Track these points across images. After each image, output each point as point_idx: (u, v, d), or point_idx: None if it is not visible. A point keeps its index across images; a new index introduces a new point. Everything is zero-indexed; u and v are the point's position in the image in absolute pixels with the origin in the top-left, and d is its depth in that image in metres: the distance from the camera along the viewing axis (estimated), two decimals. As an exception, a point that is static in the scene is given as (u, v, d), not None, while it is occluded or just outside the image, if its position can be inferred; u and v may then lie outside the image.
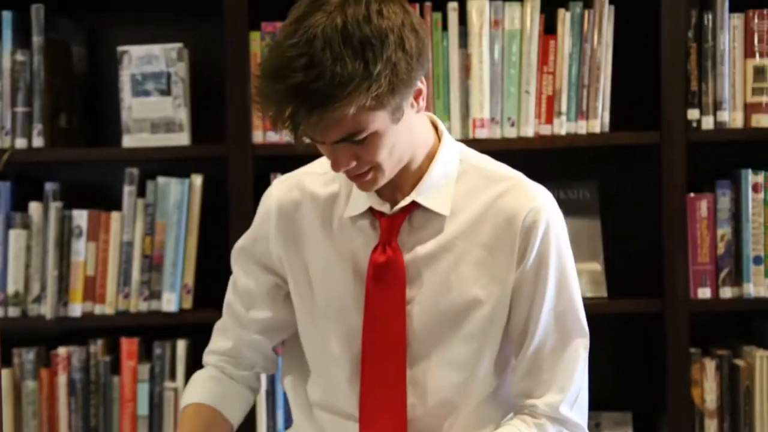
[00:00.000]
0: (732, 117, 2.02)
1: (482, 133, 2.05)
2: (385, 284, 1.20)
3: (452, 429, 1.24)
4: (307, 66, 1.01)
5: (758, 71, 1.99)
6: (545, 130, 2.07)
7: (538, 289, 1.22)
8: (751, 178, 2.03)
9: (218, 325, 1.36)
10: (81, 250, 2.00)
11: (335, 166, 1.09)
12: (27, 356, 2.02)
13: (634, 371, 2.32)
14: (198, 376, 1.33)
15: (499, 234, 1.21)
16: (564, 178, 2.19)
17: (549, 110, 2.04)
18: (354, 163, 1.10)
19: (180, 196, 2.02)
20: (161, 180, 2.03)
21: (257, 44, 2.01)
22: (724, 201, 2.03)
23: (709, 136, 2.09)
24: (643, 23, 2.14)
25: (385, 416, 1.21)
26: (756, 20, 2.03)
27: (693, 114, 2.02)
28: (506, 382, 1.25)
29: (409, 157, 1.16)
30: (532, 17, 2.03)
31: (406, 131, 1.13)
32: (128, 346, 2.01)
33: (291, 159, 1.79)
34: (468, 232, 1.22)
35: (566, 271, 1.24)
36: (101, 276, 2.02)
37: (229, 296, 1.33)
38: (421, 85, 1.10)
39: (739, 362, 2.10)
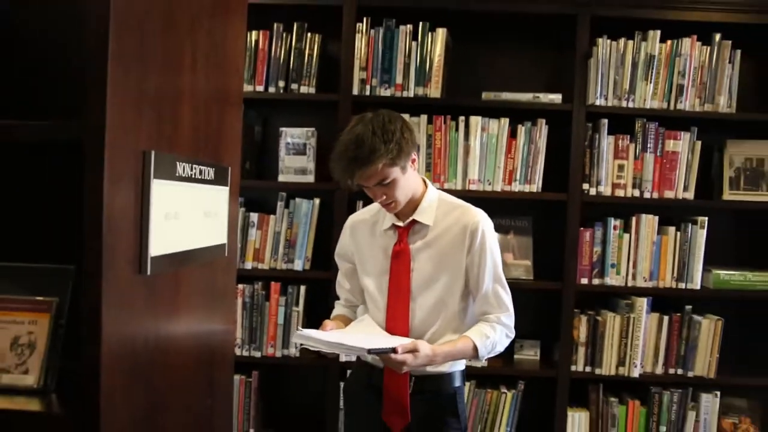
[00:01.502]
0: (605, 189, 2.81)
1: (473, 187, 2.80)
2: (400, 261, 1.94)
3: (436, 331, 1.93)
4: (356, 147, 1.77)
5: (620, 167, 2.81)
6: (507, 188, 2.83)
7: (482, 261, 1.93)
8: (612, 222, 2.83)
9: (338, 283, 2.16)
10: (253, 234, 2.82)
11: (375, 198, 1.87)
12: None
13: (544, 320, 2.98)
14: (337, 303, 2.16)
15: (458, 235, 1.93)
16: (515, 214, 2.95)
17: (510, 177, 2.82)
18: (384, 197, 1.85)
19: (307, 209, 2.82)
20: (298, 200, 2.83)
21: None
22: (598, 234, 2.83)
23: (593, 199, 2.82)
24: (562, 136, 2.84)
25: (399, 321, 1.93)
26: (620, 141, 2.81)
27: (585, 186, 2.81)
28: (468, 308, 1.98)
29: (412, 195, 1.91)
30: (502, 127, 2.80)
31: (409, 181, 1.88)
32: (275, 287, 2.82)
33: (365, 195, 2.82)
34: (442, 234, 1.94)
35: (495, 253, 1.96)
36: (262, 248, 2.82)
37: (339, 276, 2.14)
38: (414, 156, 1.87)
39: (599, 318, 2.85)
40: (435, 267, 1.95)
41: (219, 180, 1.59)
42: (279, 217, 2.85)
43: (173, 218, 1.32)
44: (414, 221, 1.95)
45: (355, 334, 1.93)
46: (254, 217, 2.85)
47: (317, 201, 2.85)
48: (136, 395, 1.21)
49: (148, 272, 1.20)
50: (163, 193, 1.26)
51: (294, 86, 2.84)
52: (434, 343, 1.89)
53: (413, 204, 1.94)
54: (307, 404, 3.04)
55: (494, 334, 1.93)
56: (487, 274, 1.95)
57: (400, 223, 1.95)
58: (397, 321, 1.95)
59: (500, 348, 1.97)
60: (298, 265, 2.84)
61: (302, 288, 2.84)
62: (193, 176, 1.41)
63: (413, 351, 1.77)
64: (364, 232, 2.04)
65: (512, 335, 2.00)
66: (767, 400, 3.00)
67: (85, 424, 1.06)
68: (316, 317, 2.78)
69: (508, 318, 1.97)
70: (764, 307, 3.01)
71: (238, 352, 2.82)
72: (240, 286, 2.83)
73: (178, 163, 1.33)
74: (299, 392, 3.09)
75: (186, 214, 1.39)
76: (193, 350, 1.50)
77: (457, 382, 2.00)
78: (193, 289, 1.47)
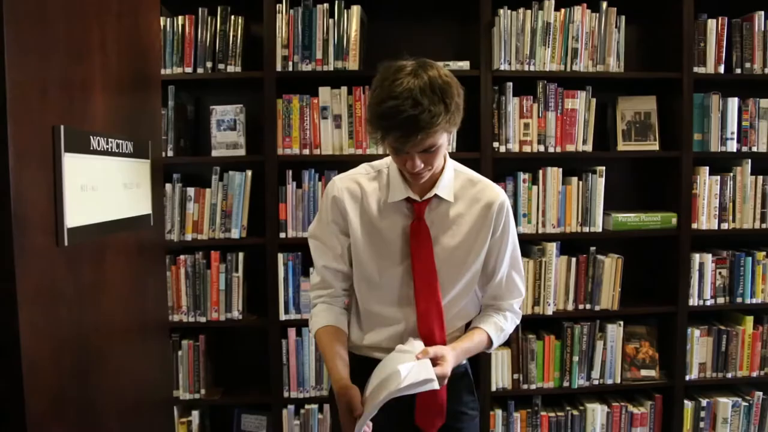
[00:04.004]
0: (513, 147, 2.85)
1: None
2: (421, 243, 1.54)
3: (459, 313, 1.64)
4: (414, 105, 1.32)
5: (526, 126, 2.84)
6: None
7: (503, 244, 1.63)
8: (521, 176, 2.87)
9: (315, 282, 1.67)
10: (191, 207, 2.77)
11: (413, 167, 1.42)
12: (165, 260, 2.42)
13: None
14: (317, 310, 1.64)
15: (482, 213, 1.58)
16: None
17: None
18: (422, 166, 1.43)
19: (240, 181, 2.77)
20: (231, 172, 2.78)
21: (280, 106, 2.73)
22: (510, 187, 2.85)
23: (503, 155, 2.85)
24: (472, 99, 2.41)
25: (434, 318, 1.55)
26: (524, 102, 2.84)
27: (495, 144, 2.84)
28: (475, 292, 1.66)
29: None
30: None
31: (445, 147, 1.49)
32: (214, 255, 2.78)
33: (298, 164, 2.73)
34: (464, 211, 1.58)
35: (515, 235, 1.66)
36: (200, 220, 2.78)
37: (322, 262, 1.63)
38: None
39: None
40: (458, 250, 1.59)
41: (139, 153, 1.55)
42: (214, 190, 2.81)
43: (90, 190, 1.28)
44: (434, 196, 1.57)
45: (380, 374, 1.44)
46: (191, 191, 2.80)
47: (249, 173, 2.81)
48: (62, 361, 1.17)
49: (66, 243, 1.16)
50: (77, 166, 1.22)
51: (221, 66, 2.78)
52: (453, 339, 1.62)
53: (434, 175, 1.55)
54: (252, 362, 3.05)
55: (507, 324, 1.69)
56: (506, 258, 1.66)
57: (417, 197, 1.57)
58: (431, 319, 1.57)
59: (507, 337, 1.73)
60: (235, 233, 2.81)
61: (240, 255, 2.82)
62: (109, 150, 1.37)
63: (439, 360, 1.46)
64: (361, 203, 1.60)
65: (519, 319, 1.75)
66: (662, 325, 3.12)
67: (8, 391, 1.03)
68: (255, 280, 2.85)
69: (519, 303, 1.73)
70: (657, 244, 3.12)
71: (184, 318, 2.82)
72: (182, 257, 2.80)
73: (92, 137, 1.29)
74: (244, 351, 3.09)
75: (104, 186, 1.35)
76: (123, 316, 1.47)
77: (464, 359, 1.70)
78: (118, 259, 1.44)
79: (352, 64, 2.77)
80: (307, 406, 2.88)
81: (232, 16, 2.79)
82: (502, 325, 1.67)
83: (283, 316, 2.81)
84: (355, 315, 1.69)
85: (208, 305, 2.80)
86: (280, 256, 2.78)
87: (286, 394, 2.84)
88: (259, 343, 2.93)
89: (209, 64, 2.78)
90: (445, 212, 1.59)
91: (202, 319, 2.81)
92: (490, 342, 1.65)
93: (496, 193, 1.62)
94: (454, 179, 1.60)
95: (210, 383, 2.91)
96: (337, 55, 2.77)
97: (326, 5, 2.78)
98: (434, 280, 1.56)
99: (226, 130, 2.79)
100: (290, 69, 2.76)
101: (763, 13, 3.04)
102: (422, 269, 1.55)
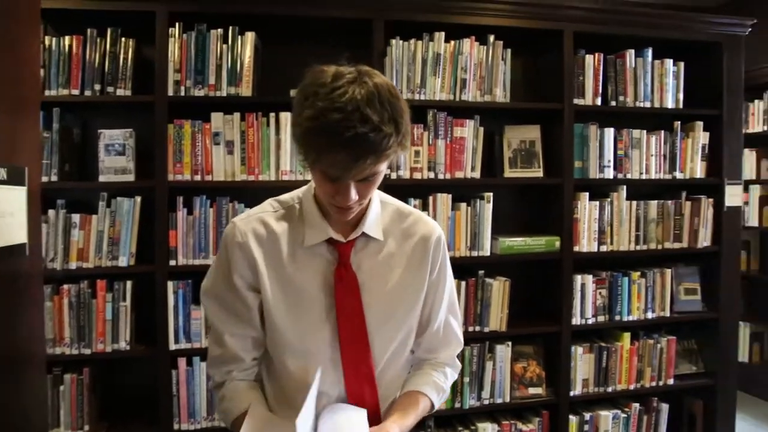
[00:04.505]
0: (405, 173, 2.92)
1: (286, 177, 2.74)
2: (347, 293, 1.29)
3: (394, 380, 1.41)
4: (363, 121, 1.07)
5: (416, 153, 2.92)
6: None
7: (440, 286, 1.41)
8: (412, 202, 2.90)
9: (216, 355, 1.37)
10: (76, 234, 2.66)
11: (346, 200, 1.18)
12: (46, 290, 2.53)
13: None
14: (229, 390, 1.36)
15: (417, 251, 1.37)
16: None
17: None
18: (356, 198, 1.19)
19: (129, 207, 2.69)
20: (119, 198, 2.70)
21: (172, 130, 2.68)
22: None
23: (394, 182, 2.88)
24: None
25: (365, 383, 1.32)
26: (415, 130, 2.86)
27: (387, 171, 2.61)
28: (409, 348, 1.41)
29: None
30: None
31: None
32: (100, 284, 2.68)
33: (189, 190, 2.70)
34: (396, 251, 1.35)
35: (451, 275, 1.46)
36: (86, 248, 2.68)
37: (227, 329, 1.34)
38: None
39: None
40: (392, 298, 1.36)
41: (13, 180, 1.50)
42: (101, 216, 2.73)
43: (-44, 220, 1.23)
44: (361, 234, 1.34)
45: None
46: (76, 218, 2.70)
47: (138, 199, 2.75)
48: None
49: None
50: (-60, 196, 1.16)
51: (110, 89, 2.73)
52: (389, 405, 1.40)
53: (360, 210, 1.30)
54: (141, 394, 2.96)
55: (447, 383, 1.48)
56: (444, 303, 1.45)
57: (341, 238, 1.32)
58: (362, 384, 1.33)
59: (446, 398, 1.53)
60: (123, 261, 2.73)
61: (128, 283, 2.74)
62: (-22, 178, 1.32)
63: None
64: (271, 250, 1.32)
65: (458, 373, 1.54)
66: (547, 343, 3.28)
67: None
68: (143, 309, 2.78)
69: (458, 352, 1.52)
70: (542, 266, 3.29)
71: (67, 350, 2.70)
72: (65, 286, 2.69)
73: (-42, 165, 1.24)
74: (132, 383, 2.99)
75: (-28, 215, 1.30)
76: (-8, 349, 1.41)
77: None
78: (-12, 290, 1.38)
79: (246, 90, 2.78)
80: (199, 438, 2.82)
81: (123, 38, 2.74)
82: (442, 384, 1.45)
83: (173, 346, 2.75)
84: (269, 386, 1.42)
85: (94, 336, 2.70)
86: (170, 284, 2.74)
87: (176, 426, 2.78)
88: (148, 374, 2.86)
89: (98, 87, 2.71)
90: (375, 253, 1.34)
91: (87, 351, 2.71)
92: (432, 407, 1.43)
93: (431, 226, 1.41)
94: (382, 212, 1.37)
95: (94, 418, 2.80)
96: (231, 80, 2.78)
97: (220, 30, 2.78)
98: (364, 341, 1.31)
99: (115, 154, 2.72)
100: (182, 94, 2.74)
101: (633, 51, 3.30)
102: (350, 328, 1.30)
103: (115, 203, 2.72)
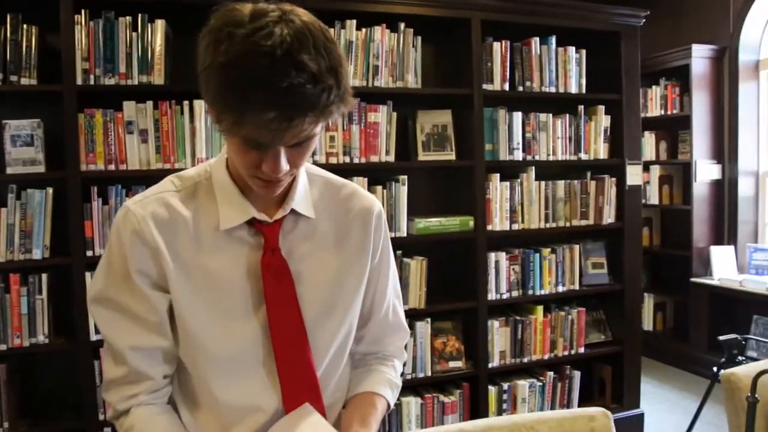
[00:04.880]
0: (320, 158, 2.98)
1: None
2: (279, 283, 1.07)
3: (339, 384, 1.20)
4: (297, 69, 0.85)
5: (332, 138, 2.98)
6: None
7: (382, 269, 1.22)
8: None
9: (116, 376, 1.09)
10: None
11: (276, 170, 0.95)
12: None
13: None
14: (138, 419, 1.08)
15: (356, 229, 1.17)
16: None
17: None
18: (287, 167, 0.96)
19: (41, 199, 2.64)
20: (30, 190, 2.64)
21: (82, 120, 2.65)
22: None
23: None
24: None
25: (305, 392, 1.10)
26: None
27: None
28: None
29: None
30: None
31: None
32: (14, 278, 2.62)
33: (104, 180, 2.68)
34: (331, 230, 1.14)
35: (392, 252, 1.27)
36: None
37: (121, 341, 1.07)
38: None
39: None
40: (331, 287, 1.15)
41: None
42: (11, 209, 2.67)
43: None
44: (290, 212, 1.12)
45: None
46: (-16, 211, 2.63)
47: (50, 190, 2.71)
48: None
49: None
50: None
51: (14, 78, 2.67)
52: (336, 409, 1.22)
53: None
54: (62, 387, 2.92)
55: (398, 378, 1.30)
56: (389, 285, 1.27)
57: (266, 218, 1.10)
58: (302, 392, 1.11)
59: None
60: (36, 254, 2.69)
61: (44, 276, 2.70)
62: None
63: None
64: (178, 235, 1.07)
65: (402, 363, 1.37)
66: (465, 319, 3.44)
67: None
68: (61, 302, 2.78)
69: (405, 342, 1.35)
70: (457, 245, 3.43)
71: (-20, 348, 2.63)
72: (-25, 282, 2.62)
73: None
74: (53, 377, 2.95)
75: None
76: None
77: None
78: None
79: (158, 78, 2.79)
80: (123, 428, 2.82)
81: (25, 25, 2.67)
82: (396, 380, 1.27)
83: (93, 337, 2.74)
84: (186, 411, 1.15)
85: (9, 331, 2.65)
86: (88, 276, 2.71)
87: (101, 417, 2.76)
88: (69, 367, 2.84)
89: (0, 75, 2.65)
90: (306, 235, 1.13)
91: (3, 347, 2.66)
92: (388, 408, 1.25)
93: (370, 200, 1.22)
94: (310, 185, 1.15)
95: (14, 416, 2.75)
96: (142, 69, 2.78)
97: (129, 18, 2.77)
98: (303, 339, 1.10)
99: (23, 145, 2.67)
100: (92, 83, 2.71)
101: (538, 39, 3.48)
102: (284, 324, 1.08)
103: (26, 195, 2.67)
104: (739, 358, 3.13)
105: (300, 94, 0.86)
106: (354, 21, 3.06)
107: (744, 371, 2.25)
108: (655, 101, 5.28)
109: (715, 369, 3.00)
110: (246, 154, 0.96)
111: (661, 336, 5.38)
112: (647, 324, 5.41)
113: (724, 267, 4.80)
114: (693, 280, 4.95)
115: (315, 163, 2.95)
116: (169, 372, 1.13)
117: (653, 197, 5.29)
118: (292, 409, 1.10)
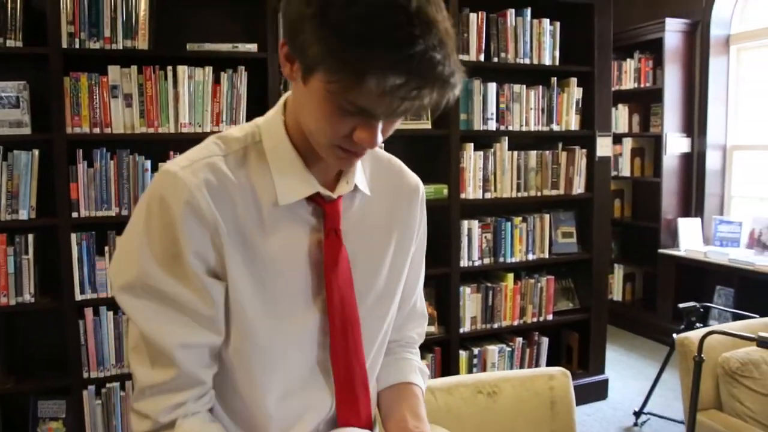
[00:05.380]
0: None
1: (185, 130, 2.88)
2: (338, 269, 0.96)
3: (376, 377, 1.13)
4: (427, 30, 0.73)
5: None
6: (216, 128, 2.92)
7: (420, 255, 1.15)
8: None
9: (161, 380, 0.90)
10: None
11: (373, 142, 0.82)
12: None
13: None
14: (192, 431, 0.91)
15: (406, 209, 1.08)
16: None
17: (218, 119, 2.94)
18: (378, 139, 0.83)
19: (27, 161, 2.72)
20: (16, 152, 2.71)
21: (68, 83, 2.71)
22: None
23: None
24: (260, 81, 3.03)
25: (359, 387, 1.02)
26: None
27: None
28: None
29: None
30: (207, 75, 2.92)
31: None
32: (1, 237, 2.71)
33: (89, 143, 2.74)
34: (383, 210, 1.05)
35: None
36: None
37: (170, 338, 0.88)
38: None
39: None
40: (385, 271, 1.06)
41: None
42: (-2, 170, 2.75)
43: None
44: (353, 189, 1.01)
45: None
46: (-29, 173, 2.71)
47: (36, 152, 2.79)
48: None
49: None
50: None
51: (-1, 40, 2.73)
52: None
53: None
54: (48, 345, 3.03)
55: (424, 365, 1.23)
56: (422, 272, 1.21)
57: (330, 194, 0.97)
58: (355, 390, 1.02)
59: None
60: (23, 214, 2.78)
61: (30, 236, 2.79)
62: None
63: None
64: (233, 209, 0.91)
65: None
66: (438, 285, 3.60)
67: None
68: (47, 262, 2.87)
69: (425, 329, 1.28)
70: (432, 212, 3.31)
71: (-33, 304, 2.73)
72: (-37, 240, 2.71)
73: None
74: (39, 335, 3.05)
75: None
76: None
77: None
78: None
79: (142, 43, 2.87)
80: (108, 385, 2.95)
81: (9, -13, 2.74)
82: (424, 368, 1.20)
83: (78, 296, 2.84)
84: (227, 416, 1.01)
85: (-4, 290, 2.75)
86: (74, 236, 2.82)
87: (85, 375, 2.89)
88: (55, 325, 2.94)
89: (-15, 37, 2.71)
90: (363, 214, 1.03)
91: (-10, 306, 2.76)
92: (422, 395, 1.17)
93: (416, 177, 1.14)
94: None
95: (1, 373, 2.87)
96: (126, 33, 2.85)
97: (113, -18, 2.84)
98: (356, 334, 1.00)
99: (8, 107, 2.74)
100: (77, 46, 2.78)
101: (514, 10, 3.60)
102: (341, 317, 0.97)
103: (12, 156, 2.75)
104: (698, 325, 3.33)
105: (430, 61, 0.74)
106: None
107: (695, 335, 2.44)
108: (629, 74, 5.41)
109: (675, 336, 3.18)
110: (340, 122, 0.81)
111: (630, 306, 5.60)
112: (617, 294, 5.62)
113: (690, 238, 5.00)
114: (661, 251, 5.14)
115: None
116: (214, 373, 0.96)
117: (625, 169, 5.46)
118: (346, 409, 1.01)
